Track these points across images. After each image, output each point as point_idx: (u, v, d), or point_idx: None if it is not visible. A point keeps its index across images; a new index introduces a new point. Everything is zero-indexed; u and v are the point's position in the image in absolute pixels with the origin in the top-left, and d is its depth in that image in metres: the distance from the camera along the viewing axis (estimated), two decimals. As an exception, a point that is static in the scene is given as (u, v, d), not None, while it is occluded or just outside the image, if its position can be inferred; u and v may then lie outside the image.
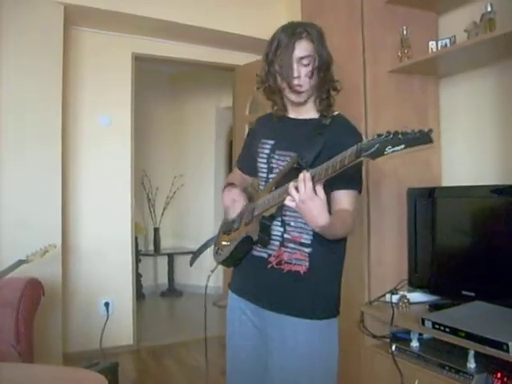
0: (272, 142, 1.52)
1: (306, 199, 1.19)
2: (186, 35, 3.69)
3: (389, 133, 1.02)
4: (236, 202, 1.54)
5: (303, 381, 1.41)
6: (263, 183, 1.54)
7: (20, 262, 2.45)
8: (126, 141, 3.71)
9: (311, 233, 1.40)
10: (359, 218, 2.38)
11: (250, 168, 1.68)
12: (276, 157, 1.49)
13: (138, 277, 4.84)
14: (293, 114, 1.55)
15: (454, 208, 2.23)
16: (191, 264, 1.78)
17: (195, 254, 1.80)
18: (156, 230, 5.66)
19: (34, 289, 2.42)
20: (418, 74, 2.47)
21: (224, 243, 1.57)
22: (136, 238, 4.42)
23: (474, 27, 2.11)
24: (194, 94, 5.80)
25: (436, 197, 2.29)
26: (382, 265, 2.38)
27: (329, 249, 1.43)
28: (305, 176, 1.20)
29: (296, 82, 1.42)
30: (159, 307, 5.29)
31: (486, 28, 2.03)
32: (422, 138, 0.99)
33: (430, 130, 1.00)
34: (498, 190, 2.03)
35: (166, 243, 5.75)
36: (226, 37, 3.67)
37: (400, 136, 1.00)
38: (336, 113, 1.50)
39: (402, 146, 1.00)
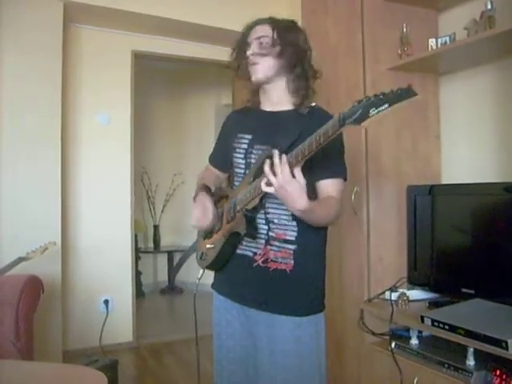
0: (249, 136, 1.51)
1: (284, 183, 1.17)
2: (185, 33, 3.68)
3: (368, 96, 1.00)
4: (202, 220, 1.51)
5: (293, 377, 1.41)
6: (240, 179, 1.51)
7: (20, 260, 2.45)
8: (126, 138, 3.71)
9: (295, 229, 1.41)
10: (359, 215, 2.39)
11: (223, 164, 1.68)
12: (254, 151, 1.48)
13: (137, 274, 4.84)
14: (268, 106, 1.54)
15: (454, 205, 2.23)
16: (174, 275, 1.77)
17: (177, 266, 1.80)
18: (156, 228, 5.66)
19: (34, 286, 2.42)
20: (418, 71, 2.47)
21: (208, 246, 1.55)
22: (136, 236, 4.40)
23: (474, 25, 2.11)
24: (194, 91, 5.79)
25: (436, 194, 2.29)
26: (382, 262, 2.39)
27: (312, 245, 1.44)
28: (281, 160, 1.17)
29: (251, 58, 1.46)
30: (159, 305, 5.28)
31: (486, 25, 2.03)
32: (404, 94, 0.97)
33: (410, 85, 0.98)
34: (498, 188, 2.03)
35: (166, 240, 5.74)
36: (225, 34, 3.64)
37: (381, 96, 0.98)
38: (313, 104, 1.49)
39: (386, 105, 0.97)
